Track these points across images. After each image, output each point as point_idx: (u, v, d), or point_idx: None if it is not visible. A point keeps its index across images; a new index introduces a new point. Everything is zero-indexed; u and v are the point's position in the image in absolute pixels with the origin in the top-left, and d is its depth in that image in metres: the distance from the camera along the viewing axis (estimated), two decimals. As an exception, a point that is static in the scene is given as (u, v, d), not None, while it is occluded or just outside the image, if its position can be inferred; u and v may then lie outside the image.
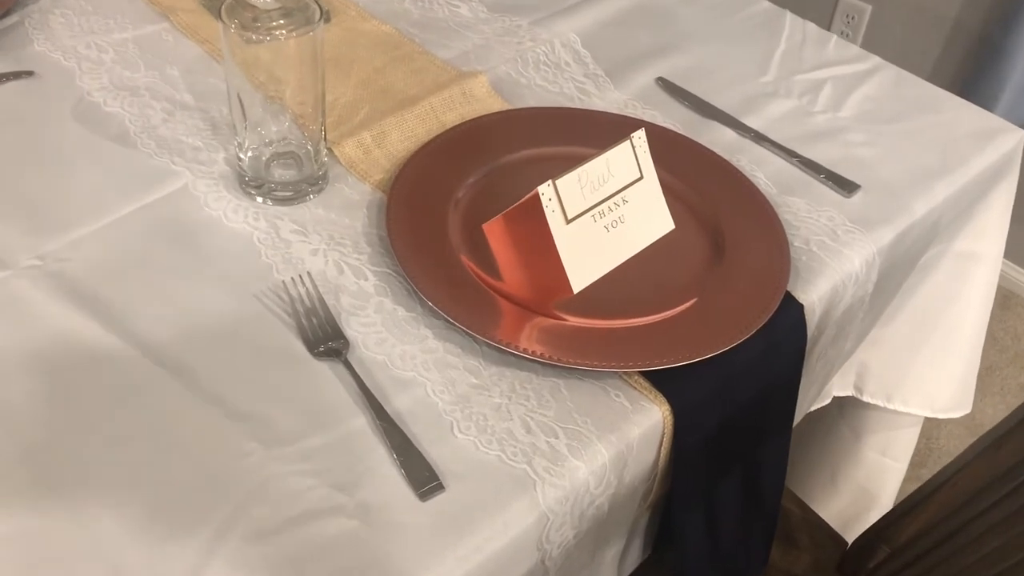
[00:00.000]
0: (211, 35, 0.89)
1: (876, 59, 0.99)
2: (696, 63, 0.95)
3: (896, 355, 1.00)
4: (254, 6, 0.88)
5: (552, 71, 0.91)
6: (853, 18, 1.91)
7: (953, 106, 0.94)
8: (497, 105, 0.86)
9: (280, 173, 0.74)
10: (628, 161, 0.71)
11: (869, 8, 1.88)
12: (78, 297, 0.65)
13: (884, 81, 0.95)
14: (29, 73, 0.83)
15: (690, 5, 1.04)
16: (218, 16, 0.82)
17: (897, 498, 1.15)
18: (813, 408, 1.00)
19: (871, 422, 1.10)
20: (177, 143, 0.78)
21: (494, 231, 0.69)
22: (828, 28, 1.94)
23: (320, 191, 0.75)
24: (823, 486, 1.18)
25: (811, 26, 1.03)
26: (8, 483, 0.55)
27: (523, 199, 0.67)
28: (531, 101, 0.87)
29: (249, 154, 0.74)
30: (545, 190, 0.66)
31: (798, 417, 0.90)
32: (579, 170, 0.68)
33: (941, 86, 0.96)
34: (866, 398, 1.03)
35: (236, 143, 0.73)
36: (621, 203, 0.71)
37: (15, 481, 0.55)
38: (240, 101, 0.71)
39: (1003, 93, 1.63)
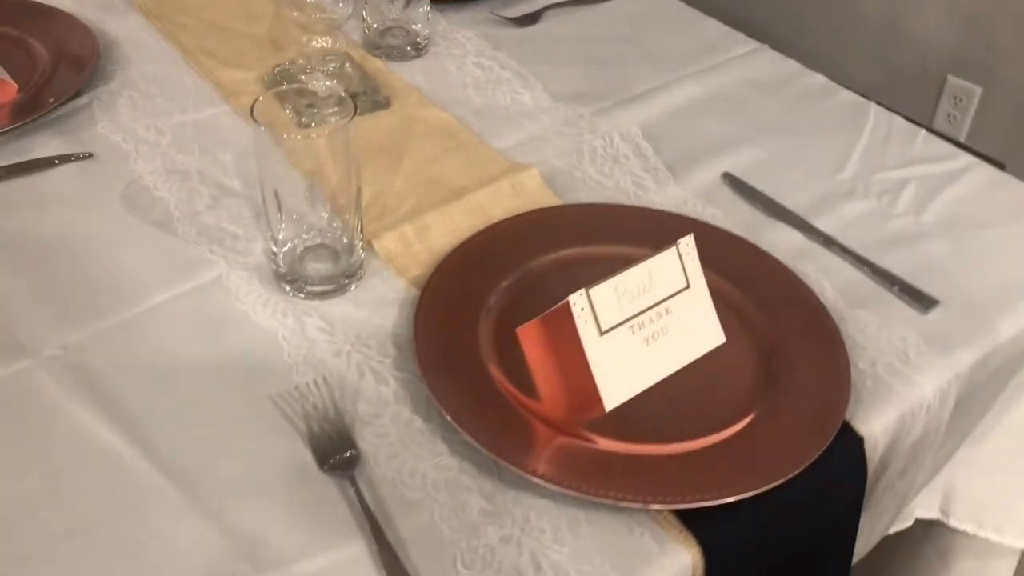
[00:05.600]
0: (269, 120, 0.89)
1: (968, 157, 0.91)
2: (767, 158, 0.89)
3: (988, 478, 0.90)
4: (313, 92, 0.87)
5: (609, 164, 0.87)
6: (961, 100, 1.81)
7: (1054, 213, 0.85)
8: (548, 200, 0.82)
9: (314, 267, 0.72)
10: (673, 269, 0.67)
11: (979, 90, 1.78)
12: (93, 393, 0.63)
13: (976, 182, 0.88)
14: (88, 155, 0.84)
15: (767, 95, 0.98)
16: (282, 101, 0.82)
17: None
18: (893, 531, 0.91)
19: (961, 547, 1.00)
20: (218, 230, 0.77)
21: (528, 336, 0.65)
22: (934, 112, 1.84)
23: (354, 286, 0.73)
24: (906, 614, 1.07)
25: (898, 119, 0.97)
26: (-6, 589, 0.53)
27: (556, 306, 0.63)
28: (584, 196, 0.83)
29: (285, 247, 0.72)
30: (577, 299, 0.62)
31: (870, 544, 0.82)
32: (616, 279, 0.64)
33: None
34: (953, 523, 0.93)
35: (270, 236, 0.72)
36: (664, 313, 0.66)
37: (2, 587, 0.54)
38: (276, 193, 0.69)
39: None
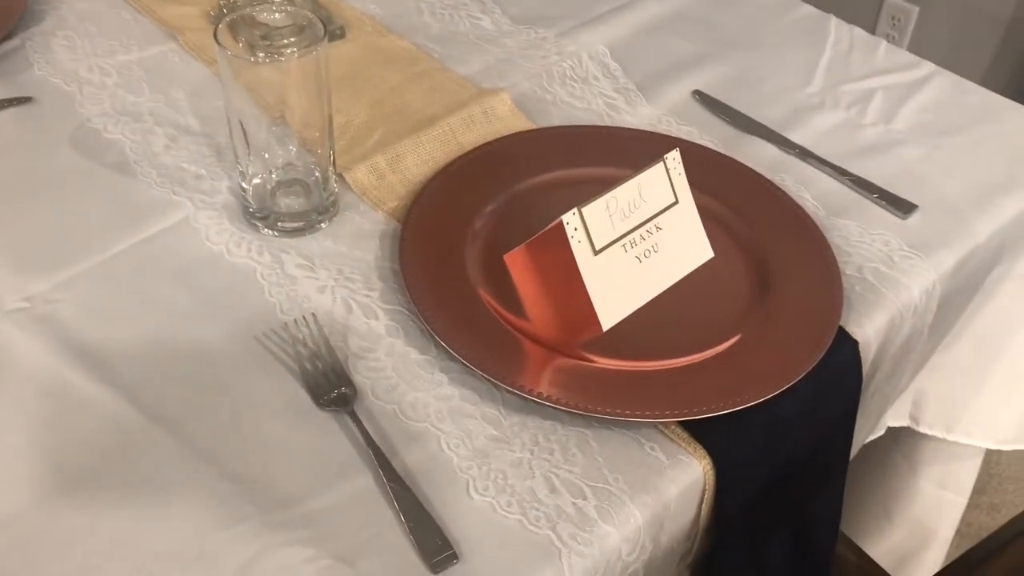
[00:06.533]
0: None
1: (930, 65, 0.91)
2: (735, 74, 0.88)
3: (956, 383, 0.93)
4: (263, 24, 0.83)
5: (579, 86, 0.85)
6: (899, 20, 1.83)
7: (1017, 115, 0.86)
8: (520, 124, 0.80)
9: (286, 203, 0.69)
10: (662, 185, 0.65)
11: (916, 9, 1.79)
12: (67, 344, 0.60)
13: (940, 89, 0.88)
14: (27, 99, 0.79)
15: (728, 11, 0.97)
16: (234, 34, 0.77)
17: (957, 532, 1.08)
18: (866, 440, 0.93)
19: (928, 452, 1.02)
20: (179, 171, 0.73)
21: (516, 262, 0.64)
22: (873, 31, 1.86)
23: (329, 221, 0.70)
24: (876, 520, 1.10)
25: (858, 31, 0.96)
26: (-17, 552, 0.50)
27: (547, 228, 0.61)
28: (557, 119, 0.81)
29: (254, 182, 0.69)
30: (570, 219, 0.60)
31: (854, 451, 0.83)
32: (607, 196, 0.62)
33: (995, 92, 0.89)
34: (923, 429, 0.95)
35: (239, 171, 0.68)
36: (654, 230, 0.65)
37: (-9, 549, 0.50)
38: (242, 126, 0.66)
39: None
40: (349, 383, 0.59)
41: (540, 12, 0.94)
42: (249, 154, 0.67)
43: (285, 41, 0.84)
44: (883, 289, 0.68)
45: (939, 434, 0.95)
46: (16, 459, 0.54)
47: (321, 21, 0.88)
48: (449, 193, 0.72)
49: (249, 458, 0.55)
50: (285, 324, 0.61)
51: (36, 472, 0.54)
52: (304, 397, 0.58)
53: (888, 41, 0.98)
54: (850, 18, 1.01)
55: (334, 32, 0.88)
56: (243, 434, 0.56)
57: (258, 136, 0.67)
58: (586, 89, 0.84)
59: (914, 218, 0.74)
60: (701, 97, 0.85)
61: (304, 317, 0.62)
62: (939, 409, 0.94)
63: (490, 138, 0.78)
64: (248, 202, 0.68)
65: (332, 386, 0.58)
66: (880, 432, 0.93)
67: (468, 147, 0.77)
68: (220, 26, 0.63)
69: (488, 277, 0.66)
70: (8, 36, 0.84)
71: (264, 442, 0.56)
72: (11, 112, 0.77)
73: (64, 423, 0.56)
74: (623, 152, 0.76)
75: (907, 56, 0.93)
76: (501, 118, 0.80)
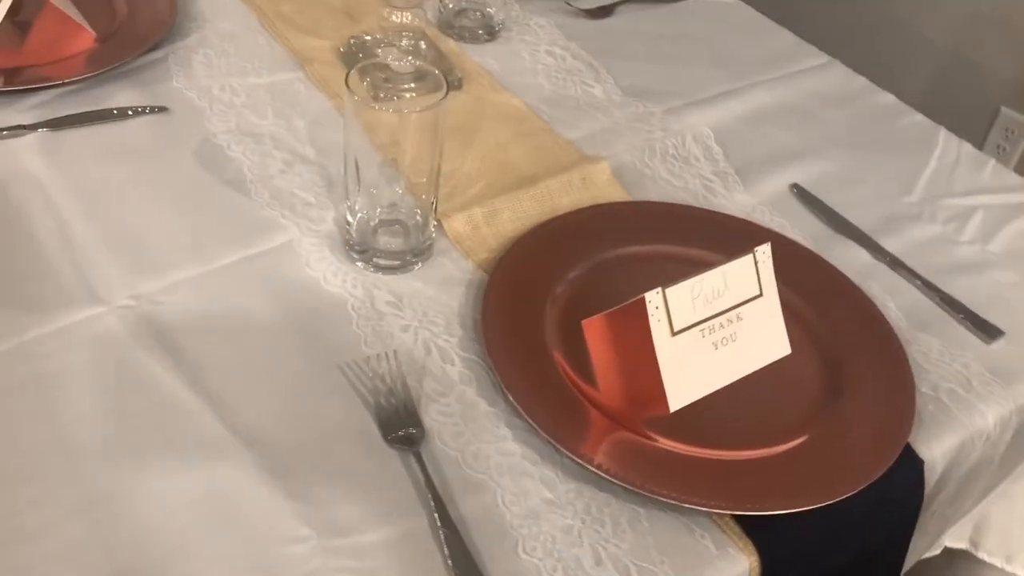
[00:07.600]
0: (343, 90, 0.89)
1: (1036, 191, 0.91)
2: (835, 172, 0.89)
3: (1022, 512, 0.90)
4: (387, 67, 0.87)
5: (679, 165, 0.87)
6: (1012, 132, 1.80)
7: (1121, 254, 0.85)
8: (616, 194, 0.82)
9: (386, 240, 0.73)
10: (748, 276, 0.66)
11: (1032, 124, 1.77)
12: (164, 344, 0.64)
13: (1043, 216, 0.87)
14: (163, 108, 0.84)
15: (837, 109, 0.98)
16: (360, 73, 0.82)
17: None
18: (922, 557, 0.91)
19: (984, 579, 1.00)
20: (290, 196, 0.77)
21: (593, 329, 0.65)
22: (983, 141, 1.83)
23: (422, 264, 0.73)
24: (922, 641, 1.07)
25: (967, 146, 0.96)
26: (61, 534, 0.54)
27: (628, 302, 0.63)
28: (653, 194, 0.83)
29: (359, 216, 0.72)
30: (652, 297, 0.62)
31: (904, 569, 0.82)
32: (693, 281, 0.63)
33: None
34: (982, 555, 0.93)
35: (347, 205, 0.72)
36: (735, 320, 0.66)
37: (69, 531, 0.54)
38: (356, 163, 0.69)
39: None
40: (419, 424, 0.61)
41: (651, 87, 0.96)
42: (359, 190, 0.70)
43: (405, 86, 0.89)
44: (957, 412, 0.68)
45: (998, 563, 0.92)
46: (104, 446, 0.58)
47: (443, 73, 0.93)
48: (538, 253, 0.74)
49: (315, 482, 0.57)
50: (368, 357, 0.64)
51: (120, 460, 0.57)
52: (374, 431, 0.61)
53: (998, 152, 0.97)
54: (962, 125, 1.01)
55: (452, 83, 0.92)
56: (313, 458, 0.59)
57: (369, 174, 0.71)
58: (685, 168, 0.86)
59: (999, 344, 0.74)
60: (798, 191, 0.86)
61: (387, 353, 0.64)
62: (1001, 537, 0.91)
63: (585, 204, 0.80)
64: (350, 235, 0.72)
65: (402, 424, 0.61)
66: (936, 551, 0.91)
67: (562, 210, 0.79)
68: (352, 72, 0.67)
69: (564, 340, 0.68)
70: (155, 47, 0.90)
71: (331, 469, 0.58)
72: (146, 119, 0.83)
73: (150, 420, 0.60)
74: (713, 236, 0.78)
75: (1014, 178, 0.92)
76: (598, 186, 0.82)
